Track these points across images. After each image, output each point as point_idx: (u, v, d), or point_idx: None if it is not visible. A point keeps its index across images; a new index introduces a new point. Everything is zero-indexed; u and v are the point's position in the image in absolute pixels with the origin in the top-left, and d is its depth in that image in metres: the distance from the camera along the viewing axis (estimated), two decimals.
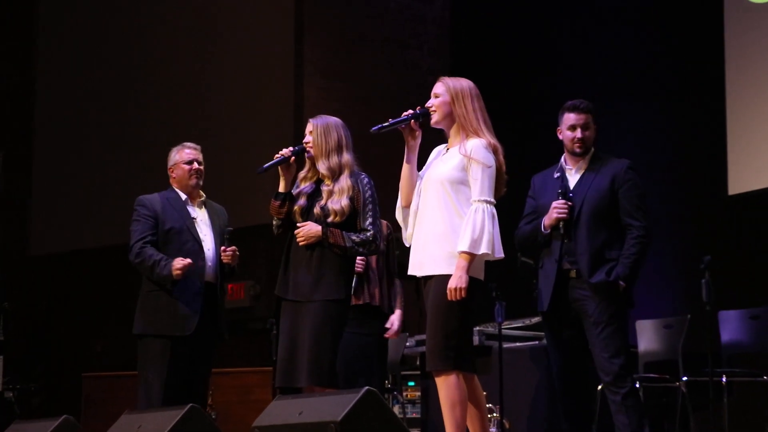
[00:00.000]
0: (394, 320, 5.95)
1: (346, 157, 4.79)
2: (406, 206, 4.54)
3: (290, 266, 4.78)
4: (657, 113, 8.54)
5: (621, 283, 4.95)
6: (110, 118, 11.80)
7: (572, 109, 5.15)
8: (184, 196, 5.51)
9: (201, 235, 5.43)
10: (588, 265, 4.98)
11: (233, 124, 10.83)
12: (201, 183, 5.54)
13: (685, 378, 6.46)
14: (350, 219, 4.76)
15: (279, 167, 4.81)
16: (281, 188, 4.81)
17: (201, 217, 5.51)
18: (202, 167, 5.53)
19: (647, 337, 6.92)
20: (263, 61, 10.77)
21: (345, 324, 4.77)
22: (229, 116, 10.90)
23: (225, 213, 5.64)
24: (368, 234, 4.75)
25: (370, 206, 4.78)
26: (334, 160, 4.76)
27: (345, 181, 4.75)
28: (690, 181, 8.29)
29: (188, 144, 5.58)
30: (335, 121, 4.85)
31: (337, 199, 4.73)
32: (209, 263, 5.40)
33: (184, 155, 5.52)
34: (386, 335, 5.95)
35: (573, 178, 5.15)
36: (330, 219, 4.72)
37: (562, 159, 5.21)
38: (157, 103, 11.50)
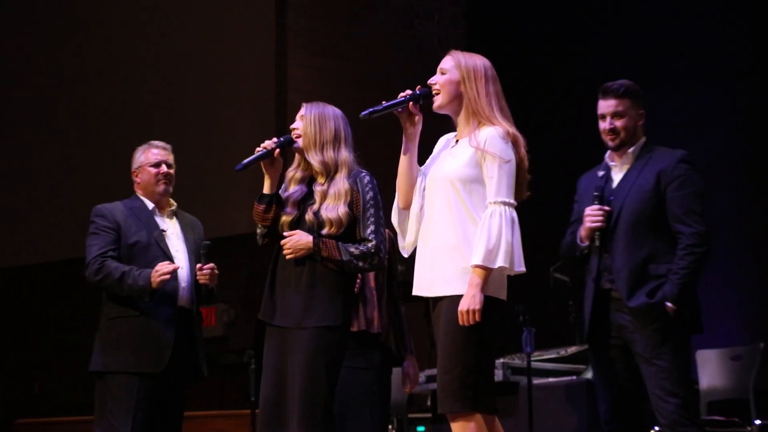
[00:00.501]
0: (408, 370, 5.90)
1: (344, 154, 4.82)
2: (405, 208, 4.57)
3: (276, 285, 4.82)
4: (724, 96, 8.57)
5: (668, 304, 4.92)
6: (50, 112, 11.89)
7: (602, 94, 5.15)
8: (151, 205, 5.57)
9: (172, 251, 5.48)
10: (626, 285, 4.97)
11: (203, 114, 10.87)
12: (171, 189, 5.59)
13: (758, 422, 6.54)
14: (349, 229, 4.80)
15: (261, 163, 4.84)
16: (266, 189, 4.85)
17: (172, 230, 5.57)
18: (172, 171, 5.59)
19: (710, 370, 7.00)
20: (237, 35, 10.78)
21: (343, 355, 4.81)
22: (198, 104, 10.93)
23: (200, 225, 5.71)
24: (370, 245, 4.77)
25: (371, 211, 4.81)
26: (329, 154, 4.80)
27: (342, 183, 4.78)
28: (764, 179, 8.37)
29: (156, 143, 5.62)
30: (335, 111, 4.90)
31: (333, 205, 4.76)
32: (183, 284, 5.44)
33: (151, 156, 5.57)
34: (405, 390, 5.95)
35: (617, 177, 5.16)
36: (325, 230, 4.76)
37: (607, 155, 5.23)
38: (110, 93, 11.54)
